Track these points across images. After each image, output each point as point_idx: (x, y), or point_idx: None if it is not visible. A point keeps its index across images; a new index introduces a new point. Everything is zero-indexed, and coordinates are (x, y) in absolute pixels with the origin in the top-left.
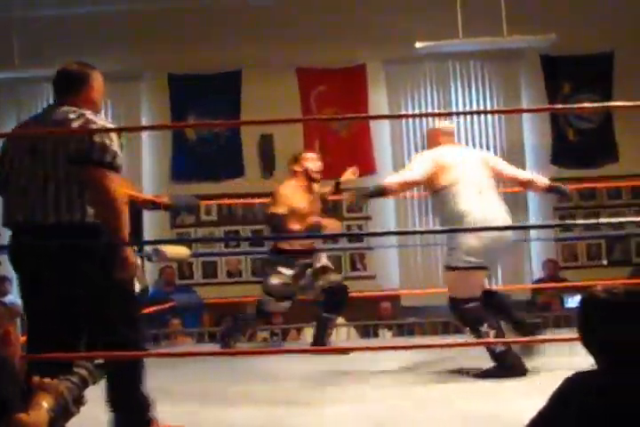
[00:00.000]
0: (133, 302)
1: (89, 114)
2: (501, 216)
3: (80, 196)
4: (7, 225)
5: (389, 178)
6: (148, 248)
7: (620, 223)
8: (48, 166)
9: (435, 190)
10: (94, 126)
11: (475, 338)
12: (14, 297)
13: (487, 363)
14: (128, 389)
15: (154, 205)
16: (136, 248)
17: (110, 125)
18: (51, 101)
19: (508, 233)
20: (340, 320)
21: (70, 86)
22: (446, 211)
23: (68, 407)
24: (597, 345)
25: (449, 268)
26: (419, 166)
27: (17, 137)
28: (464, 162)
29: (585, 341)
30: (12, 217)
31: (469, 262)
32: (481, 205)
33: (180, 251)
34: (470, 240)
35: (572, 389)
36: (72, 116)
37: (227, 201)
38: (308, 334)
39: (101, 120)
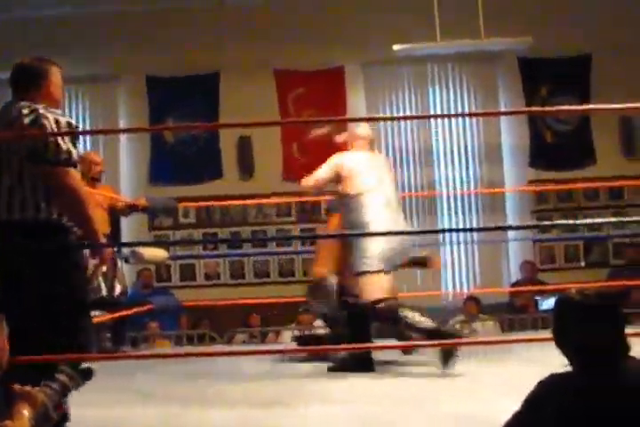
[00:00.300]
0: (79, 307)
1: (41, 108)
2: (402, 227)
3: (34, 194)
4: None
5: (304, 179)
6: (125, 250)
7: (598, 225)
8: (3, 164)
9: (343, 197)
10: (45, 121)
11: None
12: None
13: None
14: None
15: (131, 210)
16: (114, 250)
17: (63, 118)
18: None
19: (407, 241)
20: (318, 322)
21: (29, 82)
22: (351, 218)
23: (48, 414)
24: (572, 347)
25: (358, 273)
26: (327, 168)
27: None
28: (372, 169)
29: (559, 342)
30: None
31: (373, 266)
32: (385, 216)
33: (158, 253)
34: (372, 247)
35: (548, 391)
36: (25, 111)
37: (205, 203)
38: (287, 336)
39: (53, 114)
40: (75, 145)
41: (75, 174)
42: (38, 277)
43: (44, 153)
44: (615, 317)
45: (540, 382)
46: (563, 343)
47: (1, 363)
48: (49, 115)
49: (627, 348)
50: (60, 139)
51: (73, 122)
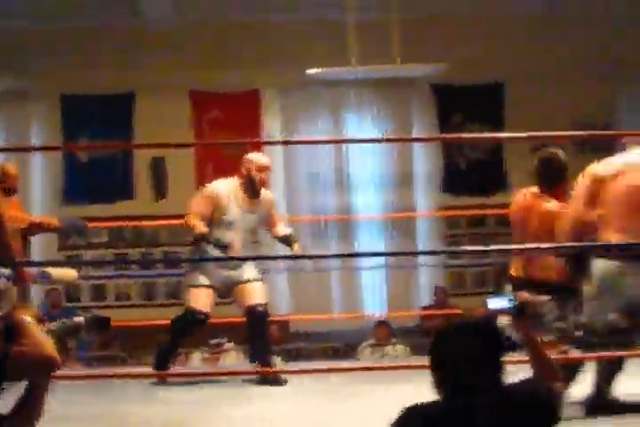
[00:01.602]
0: None
1: None
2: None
3: None
4: None
5: None
6: (33, 270)
7: (508, 251)
8: None
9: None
10: None
11: None
12: None
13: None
14: None
15: (41, 229)
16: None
17: None
18: None
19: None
20: (229, 344)
21: None
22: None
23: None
24: (437, 374)
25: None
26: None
27: None
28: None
29: (434, 370)
30: None
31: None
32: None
33: (67, 273)
34: None
35: (407, 422)
36: None
37: (117, 223)
38: (196, 358)
39: None
40: None
41: None
42: None
43: None
44: (490, 344)
45: (400, 413)
46: (437, 370)
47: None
48: None
49: (499, 376)
50: None
51: None
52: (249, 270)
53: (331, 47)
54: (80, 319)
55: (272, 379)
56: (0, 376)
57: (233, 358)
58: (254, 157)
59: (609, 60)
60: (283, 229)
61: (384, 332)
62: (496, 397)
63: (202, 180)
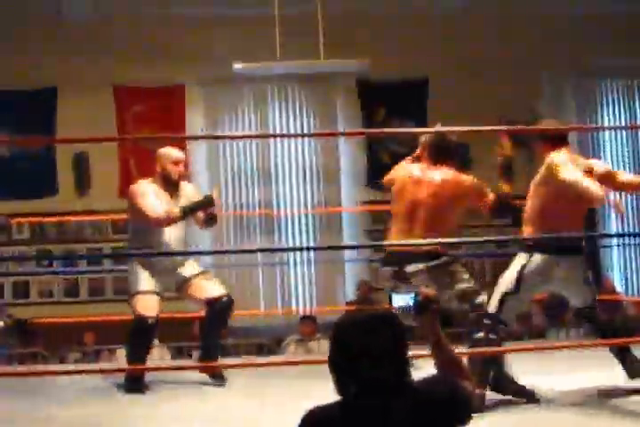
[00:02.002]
0: None
1: None
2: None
3: None
4: None
5: None
6: None
7: (431, 244)
8: None
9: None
10: None
11: None
12: None
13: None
14: None
15: None
16: None
17: None
18: None
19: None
20: (155, 341)
21: None
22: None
23: None
24: (338, 370)
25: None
26: None
27: None
28: None
29: (332, 368)
30: None
31: None
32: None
33: None
34: None
35: (312, 422)
36: None
37: (40, 219)
38: (120, 355)
39: None
40: None
41: None
42: None
43: None
44: (389, 339)
45: (303, 417)
46: (332, 368)
47: None
48: None
49: (406, 367)
50: None
51: None
52: (192, 266)
53: (256, 42)
54: (0, 324)
55: (217, 375)
56: None
57: (157, 354)
58: (166, 151)
59: (534, 60)
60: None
61: (309, 327)
62: (405, 396)
63: (125, 175)
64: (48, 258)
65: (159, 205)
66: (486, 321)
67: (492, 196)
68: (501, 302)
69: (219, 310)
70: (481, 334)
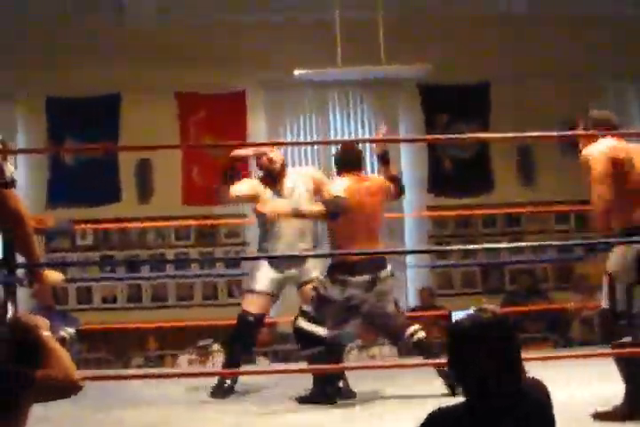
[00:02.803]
0: None
1: None
2: None
3: None
4: None
5: None
6: (20, 273)
7: (495, 251)
8: None
9: None
10: None
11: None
12: None
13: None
14: None
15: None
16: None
17: None
18: None
19: None
20: (216, 347)
21: None
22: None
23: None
24: (462, 375)
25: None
26: None
27: None
28: None
29: (455, 372)
30: None
31: None
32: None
33: (53, 276)
34: None
35: (437, 424)
36: None
37: (103, 225)
38: (183, 360)
39: None
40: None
41: (15, 196)
42: None
43: None
44: (510, 341)
45: (429, 414)
46: (457, 371)
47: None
48: None
49: (521, 370)
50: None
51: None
52: (315, 267)
53: (317, 48)
54: (71, 331)
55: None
56: (15, 406)
57: (221, 359)
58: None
59: (597, 63)
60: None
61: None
62: (522, 399)
63: (188, 181)
64: (111, 264)
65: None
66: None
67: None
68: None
69: None
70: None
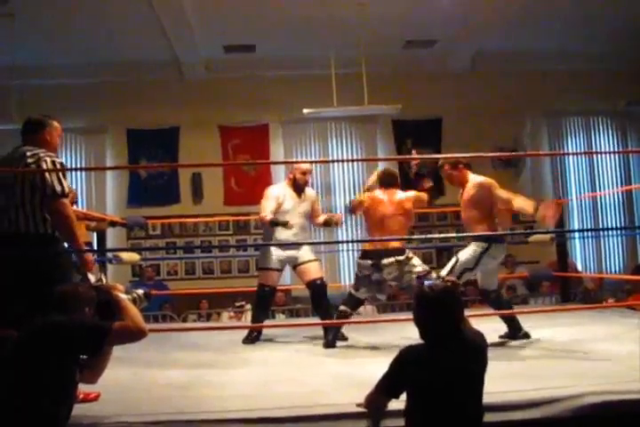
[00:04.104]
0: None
1: (41, 153)
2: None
3: (33, 214)
4: None
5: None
6: (109, 254)
7: (445, 237)
8: (9, 191)
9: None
10: (43, 163)
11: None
12: None
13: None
14: None
15: (113, 225)
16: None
17: (57, 160)
18: None
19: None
20: (248, 306)
21: (30, 131)
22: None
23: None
24: (425, 326)
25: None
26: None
27: None
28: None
29: (417, 322)
30: None
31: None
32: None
33: (133, 256)
34: None
35: (406, 358)
36: (28, 153)
37: (168, 220)
38: (225, 316)
39: (50, 157)
40: (63, 180)
41: (67, 204)
42: (40, 269)
43: (55, 188)
44: (455, 303)
45: (400, 351)
46: (419, 323)
47: (94, 379)
48: (47, 158)
49: (464, 322)
50: (55, 177)
51: (63, 162)
52: (307, 252)
53: (319, 94)
54: (140, 292)
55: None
56: (101, 345)
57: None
58: (298, 164)
59: (518, 104)
60: (321, 218)
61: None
62: (462, 342)
63: (228, 189)
64: (173, 248)
65: (269, 208)
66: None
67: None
68: (461, 274)
69: (314, 289)
70: None
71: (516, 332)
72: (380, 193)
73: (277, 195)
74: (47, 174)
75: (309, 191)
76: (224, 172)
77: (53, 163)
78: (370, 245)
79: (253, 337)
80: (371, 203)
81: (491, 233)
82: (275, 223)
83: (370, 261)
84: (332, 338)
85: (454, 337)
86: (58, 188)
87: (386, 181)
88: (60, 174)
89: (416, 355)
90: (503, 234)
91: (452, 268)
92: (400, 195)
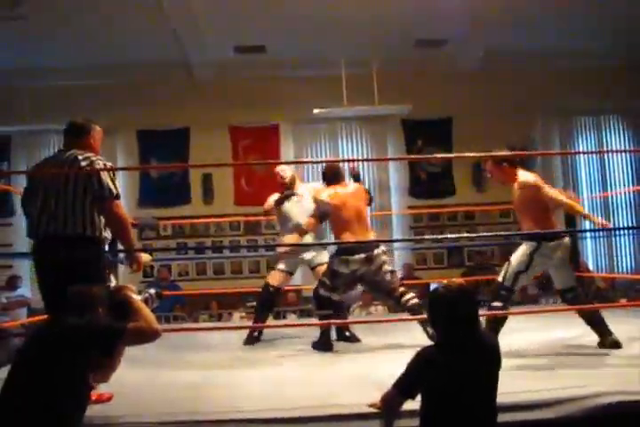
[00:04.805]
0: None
1: (92, 156)
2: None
3: (83, 215)
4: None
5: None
6: (121, 255)
7: (456, 237)
8: (60, 193)
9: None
10: (97, 167)
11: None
12: (23, 291)
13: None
14: None
15: None
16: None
17: (108, 163)
18: (50, 150)
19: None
20: None
21: (74, 134)
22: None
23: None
24: (441, 325)
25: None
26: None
27: (38, 174)
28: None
29: (432, 322)
30: (37, 230)
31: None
32: None
33: (145, 256)
34: None
35: (422, 359)
36: (80, 157)
37: (178, 221)
38: (236, 316)
39: (101, 161)
40: (116, 183)
41: (120, 205)
42: (83, 267)
43: (107, 190)
44: (469, 304)
45: (418, 351)
46: (434, 324)
47: (106, 378)
48: (99, 161)
49: (478, 323)
50: (109, 179)
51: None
52: (323, 255)
53: (329, 94)
54: (152, 292)
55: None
56: (115, 347)
57: None
58: (279, 168)
59: (529, 103)
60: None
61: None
62: (476, 343)
63: (239, 189)
64: (184, 248)
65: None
66: (503, 292)
67: None
68: (515, 278)
69: None
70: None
71: (604, 336)
72: (337, 189)
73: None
74: (103, 177)
75: (302, 189)
76: (234, 172)
77: (105, 166)
78: (354, 239)
79: (254, 338)
80: (341, 199)
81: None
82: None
83: (364, 255)
84: (324, 342)
85: (469, 338)
86: (113, 190)
87: (334, 177)
88: (113, 176)
89: (431, 356)
90: (511, 234)
91: (506, 272)
92: (352, 186)
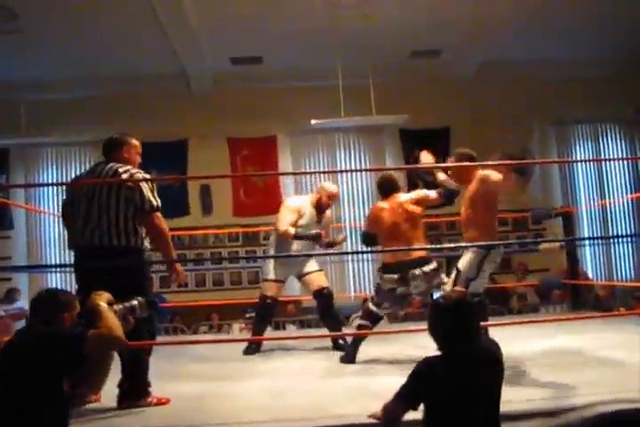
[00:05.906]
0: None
1: (132, 169)
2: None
3: (125, 227)
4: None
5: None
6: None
7: (455, 247)
8: (102, 206)
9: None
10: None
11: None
12: (21, 303)
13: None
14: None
15: None
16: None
17: (147, 175)
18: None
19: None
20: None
21: (111, 149)
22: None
23: (125, 317)
24: (441, 336)
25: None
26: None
27: (78, 185)
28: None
29: (432, 333)
30: (80, 241)
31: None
32: None
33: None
34: None
35: (422, 369)
36: (120, 170)
37: (177, 232)
38: (236, 328)
39: (141, 173)
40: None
41: (160, 217)
42: (129, 276)
43: (149, 203)
44: (469, 313)
45: (419, 362)
46: (434, 334)
47: (93, 387)
48: (139, 174)
49: (480, 333)
50: (150, 192)
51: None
52: (313, 264)
53: (327, 105)
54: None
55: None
56: (79, 355)
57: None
58: (329, 186)
59: (526, 112)
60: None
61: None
62: (478, 351)
63: (237, 200)
64: (183, 260)
65: (289, 220)
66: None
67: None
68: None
69: (319, 298)
70: None
71: None
72: (380, 202)
73: (299, 207)
74: (144, 189)
75: (328, 214)
76: (233, 183)
77: (145, 178)
78: (391, 257)
79: (254, 348)
80: (374, 215)
81: (496, 242)
82: (302, 237)
83: (396, 276)
84: (352, 353)
85: (470, 347)
86: (154, 202)
87: (385, 189)
88: (153, 188)
89: (432, 367)
90: (511, 243)
91: (455, 281)
92: (400, 197)
